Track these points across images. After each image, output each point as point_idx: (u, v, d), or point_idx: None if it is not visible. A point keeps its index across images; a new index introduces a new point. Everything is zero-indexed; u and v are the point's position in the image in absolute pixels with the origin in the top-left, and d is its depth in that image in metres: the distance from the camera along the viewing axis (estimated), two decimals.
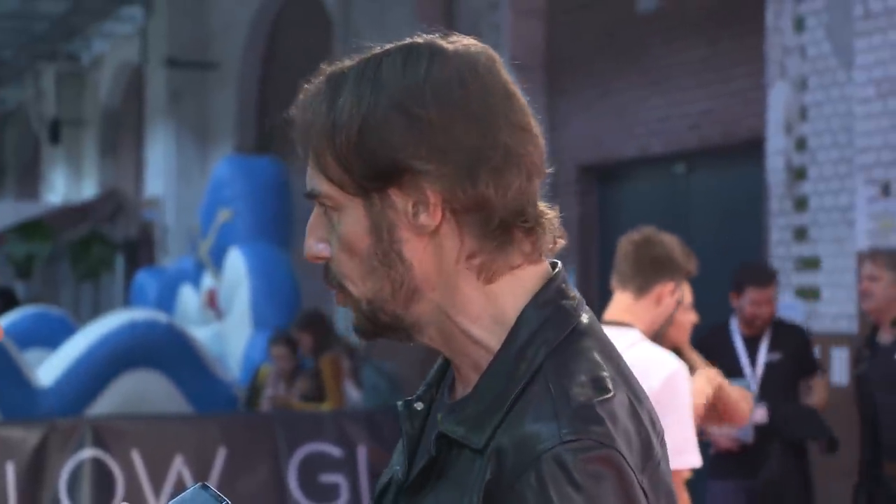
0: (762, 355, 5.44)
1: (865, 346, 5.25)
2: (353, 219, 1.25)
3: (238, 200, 9.68)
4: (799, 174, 6.59)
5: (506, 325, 1.25)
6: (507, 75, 1.28)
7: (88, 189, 19.06)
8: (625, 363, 1.27)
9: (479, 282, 1.25)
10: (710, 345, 5.24)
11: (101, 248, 16.76)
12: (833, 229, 6.40)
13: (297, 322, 7.90)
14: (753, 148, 7.14)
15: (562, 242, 1.30)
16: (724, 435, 5.25)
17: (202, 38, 14.11)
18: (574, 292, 1.29)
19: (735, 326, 5.51)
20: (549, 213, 1.28)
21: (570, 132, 8.70)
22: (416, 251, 1.24)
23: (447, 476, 1.23)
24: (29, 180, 22.95)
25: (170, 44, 14.12)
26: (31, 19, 16.03)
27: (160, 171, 14.51)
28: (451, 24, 8.93)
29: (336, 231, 1.26)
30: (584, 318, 1.27)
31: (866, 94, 6.18)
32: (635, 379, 1.28)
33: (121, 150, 18.19)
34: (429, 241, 1.24)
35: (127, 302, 12.86)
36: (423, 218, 1.23)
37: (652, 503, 1.20)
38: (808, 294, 6.54)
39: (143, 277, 11.49)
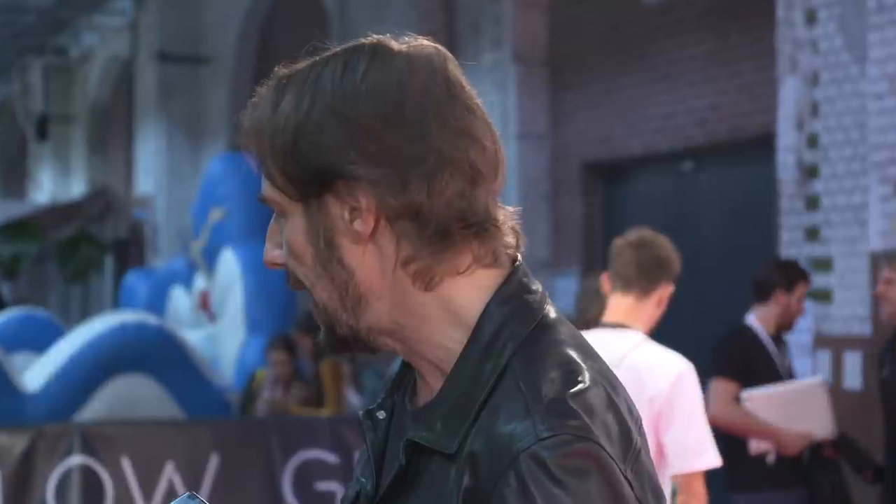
0: (787, 358, 5.33)
1: (888, 349, 5.11)
2: (296, 224, 1.24)
3: (231, 199, 9.62)
4: (810, 172, 6.47)
5: (467, 325, 1.23)
6: (459, 77, 1.25)
7: (77, 187, 18.92)
8: (595, 352, 1.25)
9: (417, 289, 1.22)
10: (744, 349, 5.09)
11: (90, 249, 16.66)
12: (846, 229, 6.29)
13: (297, 324, 7.82)
14: (763, 145, 7.05)
15: (522, 248, 1.27)
16: (796, 436, 4.98)
17: (194, 31, 13.96)
18: (537, 285, 1.27)
19: (759, 327, 5.25)
20: (504, 217, 1.25)
21: (575, 129, 8.66)
22: (355, 258, 1.23)
23: (419, 486, 1.21)
24: (15, 178, 22.83)
25: (161, 37, 14.00)
26: (17, 12, 15.90)
27: (151, 169, 14.39)
28: (451, 18, 8.84)
29: (283, 236, 1.26)
30: (550, 311, 1.25)
31: (880, 90, 6.06)
32: (608, 367, 1.25)
33: (110, 146, 18.06)
34: (367, 248, 1.22)
35: (116, 304, 12.79)
36: (357, 225, 1.21)
37: (637, 492, 1.17)
38: (820, 296, 6.41)
39: (133, 278, 11.44)
